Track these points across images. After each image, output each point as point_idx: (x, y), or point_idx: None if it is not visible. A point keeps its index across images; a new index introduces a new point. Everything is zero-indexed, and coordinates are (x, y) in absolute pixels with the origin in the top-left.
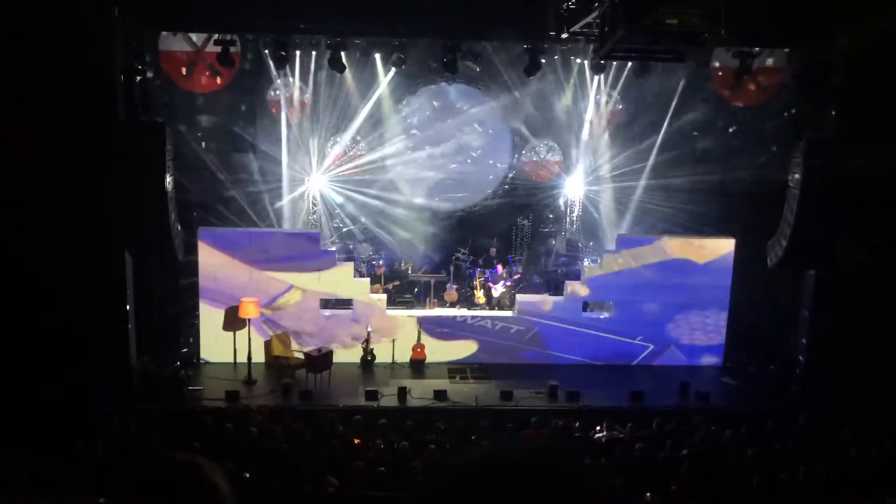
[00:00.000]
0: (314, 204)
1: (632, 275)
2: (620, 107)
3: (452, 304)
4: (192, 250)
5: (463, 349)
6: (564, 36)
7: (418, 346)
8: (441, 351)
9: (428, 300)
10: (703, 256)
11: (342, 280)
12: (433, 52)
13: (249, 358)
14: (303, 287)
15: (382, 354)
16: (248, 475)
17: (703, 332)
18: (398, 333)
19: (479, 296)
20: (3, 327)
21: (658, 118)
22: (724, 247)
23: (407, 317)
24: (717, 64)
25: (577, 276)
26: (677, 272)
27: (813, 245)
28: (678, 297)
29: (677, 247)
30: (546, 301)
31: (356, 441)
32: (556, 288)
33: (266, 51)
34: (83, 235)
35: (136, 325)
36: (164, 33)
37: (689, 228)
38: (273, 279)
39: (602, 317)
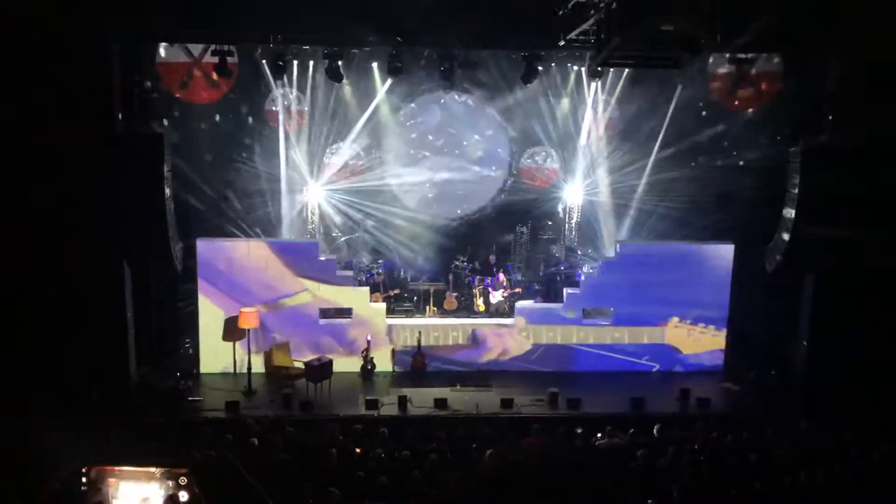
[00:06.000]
0: (313, 213)
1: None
2: (618, 113)
3: (452, 312)
4: (190, 260)
5: None
6: (561, 43)
7: (418, 355)
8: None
9: (427, 308)
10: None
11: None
12: (431, 61)
13: (249, 368)
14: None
15: (382, 363)
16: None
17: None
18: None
19: (479, 303)
20: (2, 339)
21: (655, 124)
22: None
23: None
24: (713, 70)
25: (576, 283)
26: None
27: (812, 250)
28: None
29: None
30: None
31: (357, 450)
32: (555, 294)
33: (264, 61)
34: (82, 247)
35: (135, 336)
36: (161, 45)
37: (687, 235)
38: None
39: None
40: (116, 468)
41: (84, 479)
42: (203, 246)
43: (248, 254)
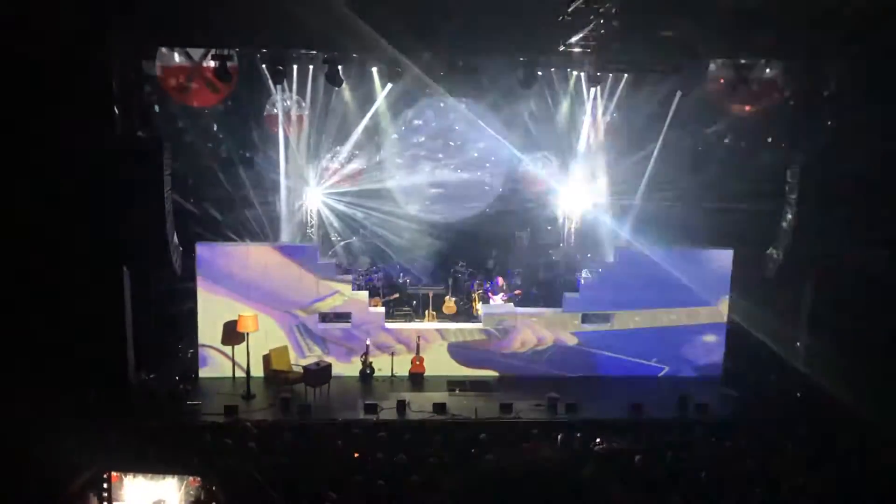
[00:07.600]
0: (312, 217)
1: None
2: (617, 118)
3: (451, 317)
4: (189, 264)
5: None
6: (561, 49)
7: (417, 360)
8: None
9: (426, 313)
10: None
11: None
12: (431, 65)
13: (248, 372)
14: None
15: (381, 368)
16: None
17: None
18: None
19: (478, 308)
20: (2, 344)
21: (655, 129)
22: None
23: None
24: (713, 74)
25: (574, 288)
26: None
27: (811, 253)
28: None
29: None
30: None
31: (355, 455)
32: (554, 299)
33: (263, 65)
34: (82, 251)
35: (134, 340)
36: (161, 49)
37: (686, 240)
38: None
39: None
40: (137, 474)
41: (105, 485)
42: (202, 250)
43: (247, 258)
